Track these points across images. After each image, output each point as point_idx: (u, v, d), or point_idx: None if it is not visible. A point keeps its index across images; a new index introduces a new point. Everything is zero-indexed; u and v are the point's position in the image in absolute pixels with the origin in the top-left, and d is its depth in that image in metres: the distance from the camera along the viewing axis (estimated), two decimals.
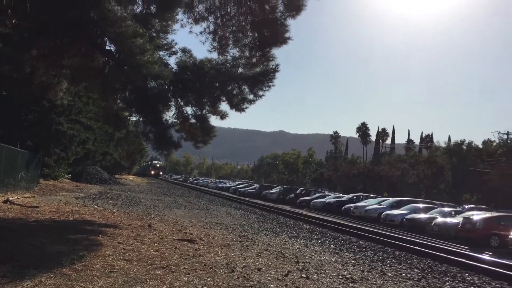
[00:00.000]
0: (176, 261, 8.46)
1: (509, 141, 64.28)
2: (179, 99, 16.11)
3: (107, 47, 14.55)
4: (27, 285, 5.63)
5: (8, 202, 15.53)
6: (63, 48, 13.59)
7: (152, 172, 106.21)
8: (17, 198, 17.51)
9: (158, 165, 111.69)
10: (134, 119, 17.81)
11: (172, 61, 16.16)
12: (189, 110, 16.23)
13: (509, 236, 19.09)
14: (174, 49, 16.18)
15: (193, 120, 16.18)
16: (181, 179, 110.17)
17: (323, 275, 9.08)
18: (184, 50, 15.90)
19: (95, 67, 14.68)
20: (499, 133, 64.90)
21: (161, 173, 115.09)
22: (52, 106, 24.91)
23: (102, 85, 15.38)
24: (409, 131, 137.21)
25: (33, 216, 12.84)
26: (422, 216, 26.00)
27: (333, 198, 38.89)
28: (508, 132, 62.88)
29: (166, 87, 15.72)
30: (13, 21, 14.21)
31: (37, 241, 8.82)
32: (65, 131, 27.07)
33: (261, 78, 15.01)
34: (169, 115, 16.25)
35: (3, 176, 19.12)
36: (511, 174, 55.76)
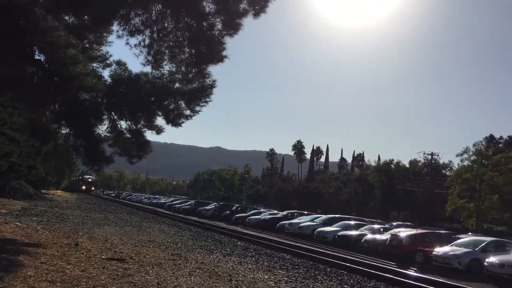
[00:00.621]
0: (103, 282, 8.11)
1: (433, 161, 68.04)
2: (112, 113, 15.67)
3: (37, 57, 13.95)
4: None
5: None
6: None
7: (83, 187, 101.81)
8: None
9: (89, 179, 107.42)
10: (64, 131, 17.12)
11: (106, 73, 15.72)
12: (123, 124, 15.83)
13: (433, 252, 20.07)
14: (108, 62, 15.78)
15: (127, 135, 15.77)
16: (114, 194, 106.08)
17: None
18: (119, 63, 15.56)
19: (22, 77, 13.97)
20: (424, 153, 68.58)
21: (92, 188, 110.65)
22: None
23: (30, 96, 14.64)
24: (342, 149, 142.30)
25: None
26: (353, 233, 26.74)
27: (268, 215, 39.09)
28: (432, 152, 66.59)
29: (100, 100, 15.26)
30: None
31: None
32: None
33: (198, 94, 14.96)
34: (102, 129, 15.78)
35: None
36: (435, 193, 59.01)
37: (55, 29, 12.63)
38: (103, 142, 15.59)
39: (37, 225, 17.56)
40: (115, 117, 15.71)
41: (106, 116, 15.55)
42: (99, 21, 10.94)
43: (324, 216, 34.92)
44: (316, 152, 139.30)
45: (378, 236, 24.33)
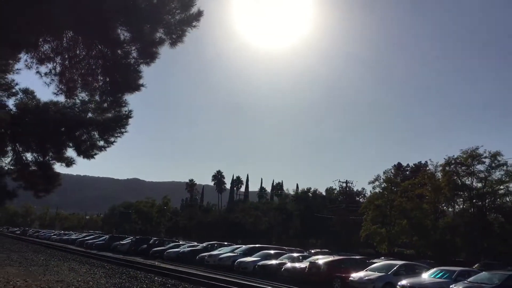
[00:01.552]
0: None
1: (347, 189, 70.94)
2: (17, 144, 14.61)
3: None
4: None
5: None
6: None
7: None
8: None
9: None
10: None
11: (11, 102, 14.69)
12: (29, 156, 14.79)
13: (350, 278, 20.63)
14: (14, 90, 14.77)
15: (34, 167, 14.73)
16: (19, 232, 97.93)
17: None
18: (25, 91, 14.66)
19: None
20: (339, 181, 71.39)
21: None
22: None
23: None
24: (262, 179, 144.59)
25: None
26: (273, 262, 26.84)
27: (188, 247, 38.22)
28: (346, 180, 69.50)
29: (3, 130, 14.18)
30: None
31: None
32: None
33: (112, 124, 14.42)
34: (5, 161, 14.63)
35: None
36: (350, 219, 61.37)
37: None
38: (5, 175, 14.42)
39: None
40: (20, 149, 14.66)
41: (10, 148, 14.46)
42: (12, 47, 10.27)
43: (244, 247, 34.78)
44: (236, 182, 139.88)
45: (297, 264, 24.63)
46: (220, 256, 31.19)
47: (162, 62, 12.01)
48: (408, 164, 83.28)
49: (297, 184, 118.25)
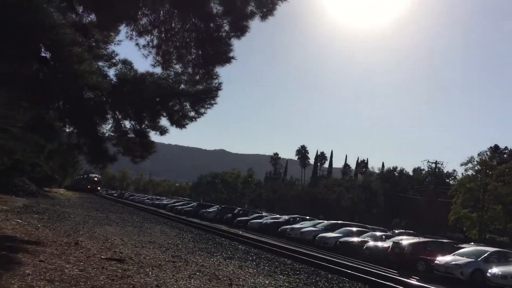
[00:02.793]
0: (102, 282, 8.01)
1: (437, 170, 67.74)
2: (117, 112, 15.58)
3: (42, 54, 13.89)
4: None
5: None
6: None
7: (89, 187, 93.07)
8: None
9: (95, 178, 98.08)
10: (68, 130, 17.04)
11: (111, 72, 15.64)
12: (127, 124, 15.74)
13: (435, 262, 19.87)
14: (114, 61, 15.66)
15: (131, 135, 15.68)
16: (116, 194, 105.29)
17: None
18: (124, 62, 15.47)
19: (27, 74, 13.92)
20: (428, 162, 68.25)
21: (99, 188, 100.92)
22: None
23: (34, 93, 14.60)
24: (346, 156, 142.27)
25: None
26: (355, 239, 26.56)
27: (270, 219, 38.95)
28: (436, 161, 66.34)
29: (104, 99, 15.17)
30: None
31: None
32: None
33: (203, 96, 14.84)
34: (106, 128, 15.68)
35: None
36: (438, 201, 58.68)
37: (61, 26, 12.59)
38: (106, 141, 15.50)
39: (37, 223, 17.49)
40: (120, 116, 15.61)
41: (110, 115, 15.44)
42: (107, 23, 10.89)
43: (326, 222, 34.76)
44: (320, 157, 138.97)
45: (380, 244, 24.14)
46: (302, 229, 31.45)
47: (251, 36, 12.10)
48: (506, 147, 77.30)
49: (382, 163, 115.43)
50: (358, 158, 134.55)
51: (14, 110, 27.67)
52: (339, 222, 34.87)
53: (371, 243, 24.55)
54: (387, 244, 23.44)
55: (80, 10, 12.95)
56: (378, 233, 28.70)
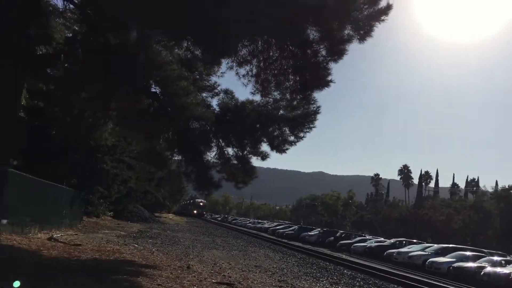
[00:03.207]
0: None
1: None
2: (220, 140, 16.28)
3: (152, 89, 15.05)
4: None
5: (52, 239, 15.86)
6: (111, 92, 14.14)
7: (195, 212, 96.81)
8: (61, 235, 17.87)
9: (201, 203, 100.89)
10: (176, 158, 18.11)
11: (214, 102, 16.46)
12: (230, 151, 16.37)
13: None
14: (216, 91, 16.48)
15: (234, 161, 16.26)
16: (220, 218, 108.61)
17: None
18: (226, 92, 16.19)
19: (140, 109, 15.13)
20: None
21: (204, 212, 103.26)
22: (98, 146, 25.70)
23: (146, 126, 15.79)
24: (454, 174, 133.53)
25: (75, 255, 13.02)
26: (470, 264, 24.73)
27: (375, 242, 37.72)
28: None
29: (208, 128, 15.96)
30: (65, 65, 14.96)
31: (79, 281, 8.87)
32: (109, 170, 27.78)
33: (301, 120, 15.03)
34: (211, 156, 16.43)
35: (49, 213, 19.62)
36: None
37: (169, 63, 13.60)
38: (211, 168, 16.22)
39: (152, 247, 18.62)
40: (223, 144, 16.29)
41: (214, 144, 16.18)
42: (220, 55, 11.55)
43: (436, 246, 32.79)
44: (425, 177, 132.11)
45: (499, 270, 22.24)
46: (410, 254, 29.99)
47: (350, 56, 12.06)
48: None
49: (496, 181, 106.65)
50: (467, 177, 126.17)
51: (128, 142, 30.08)
52: (450, 245, 32.72)
53: (489, 269, 22.70)
54: (508, 270, 21.52)
55: (185, 46, 13.85)
56: (496, 258, 26.47)
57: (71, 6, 14.10)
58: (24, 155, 24.48)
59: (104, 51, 13.05)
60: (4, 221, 14.20)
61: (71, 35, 14.83)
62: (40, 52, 14.29)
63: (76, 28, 14.95)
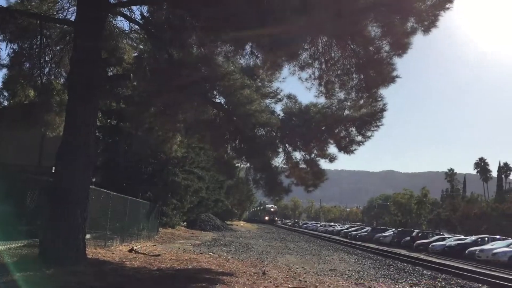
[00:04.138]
0: None
1: None
2: (287, 145, 16.27)
3: (217, 100, 15.37)
4: None
5: (133, 251, 16.57)
6: (177, 105, 14.62)
7: (266, 218, 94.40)
8: (141, 246, 18.64)
9: (272, 209, 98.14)
10: (244, 166, 18.33)
11: (278, 108, 16.49)
12: (297, 155, 16.32)
13: None
14: (279, 96, 16.46)
15: (303, 165, 16.19)
16: (290, 223, 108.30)
17: None
18: (289, 97, 16.16)
19: (206, 120, 15.51)
20: None
21: (276, 218, 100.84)
22: (168, 158, 26.61)
23: (213, 136, 16.16)
24: None
25: (155, 265, 13.52)
26: None
27: (454, 240, 35.97)
28: None
29: (274, 134, 16.03)
30: (133, 83, 15.69)
31: None
32: (180, 182, 28.65)
33: (368, 119, 14.68)
34: (278, 161, 16.45)
35: (128, 226, 20.54)
36: None
37: (231, 73, 13.83)
38: (280, 173, 16.24)
39: (227, 255, 18.96)
40: (290, 149, 16.26)
41: (281, 149, 16.20)
42: (280, 59, 11.64)
43: None
44: (504, 169, 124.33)
45: None
46: (494, 251, 28.28)
47: (416, 47, 11.67)
48: None
49: None
50: None
51: (197, 153, 30.90)
52: None
53: None
54: None
55: (246, 54, 14.03)
56: None
57: (136, 27, 14.78)
58: (101, 171, 25.89)
59: (169, 67, 13.54)
60: (88, 236, 15.02)
61: (137, 54, 15.56)
62: (111, 73, 15.09)
63: (142, 47, 15.66)
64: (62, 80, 17.48)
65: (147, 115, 15.99)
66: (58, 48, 15.64)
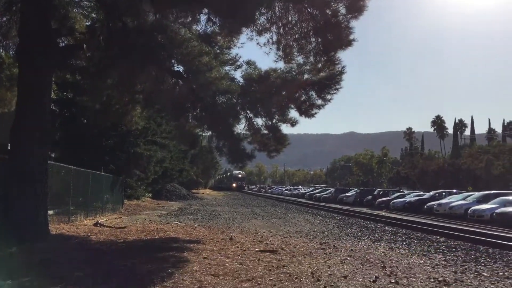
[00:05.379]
0: (261, 273, 8.50)
1: None
2: (248, 111, 16.29)
3: (176, 68, 15.11)
4: None
5: (98, 225, 16.45)
6: (135, 75, 14.28)
7: (234, 185, 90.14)
8: (106, 220, 18.50)
9: (239, 175, 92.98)
10: (207, 134, 18.30)
11: (238, 74, 16.41)
12: (259, 121, 16.39)
13: None
14: (239, 63, 16.38)
15: (264, 131, 16.29)
16: (256, 189, 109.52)
17: (413, 279, 8.73)
18: (248, 63, 16.07)
19: (165, 89, 15.26)
20: None
21: (244, 185, 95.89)
22: (129, 130, 26.16)
23: (173, 105, 15.94)
24: (489, 120, 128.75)
25: (122, 237, 13.48)
26: None
27: (414, 197, 37.43)
28: None
29: (235, 100, 15.98)
30: (87, 54, 15.15)
31: (128, 261, 9.22)
32: (143, 153, 28.33)
33: (327, 82, 14.82)
34: (240, 128, 16.49)
35: (91, 200, 20.29)
36: None
37: (189, 40, 13.56)
38: (243, 140, 16.31)
39: (193, 223, 19.09)
40: (251, 115, 16.29)
41: (242, 115, 16.21)
42: (233, 29, 11.46)
43: (477, 193, 32.21)
44: (459, 125, 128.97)
45: None
46: (451, 204, 29.64)
47: (371, 12, 11.76)
48: None
49: None
50: (503, 121, 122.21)
51: (158, 123, 30.49)
52: (492, 192, 32.10)
53: None
54: None
55: (203, 21, 13.74)
56: None
57: None
58: (60, 146, 25.24)
59: (124, 36, 13.13)
60: (51, 212, 14.75)
61: (90, 23, 14.99)
62: (63, 44, 14.51)
63: (94, 16, 15.08)
64: (11, 53, 16.76)
65: (104, 87, 15.57)
66: (4, 19, 14.89)
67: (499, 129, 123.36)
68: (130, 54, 12.91)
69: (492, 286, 8.45)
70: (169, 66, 14.80)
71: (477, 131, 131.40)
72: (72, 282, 7.08)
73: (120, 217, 20.88)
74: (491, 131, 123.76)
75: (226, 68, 16.59)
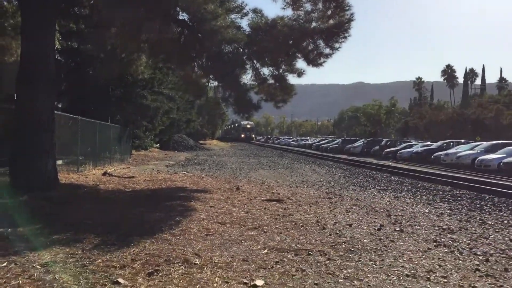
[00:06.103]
0: (267, 222, 8.63)
1: None
2: (254, 61, 16.03)
3: (181, 17, 14.76)
4: (133, 251, 6.02)
5: (107, 174, 16.66)
6: (140, 24, 13.98)
7: (242, 136, 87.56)
8: (114, 169, 18.74)
9: (248, 125, 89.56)
10: (213, 85, 18.12)
11: (244, 23, 16.05)
12: (266, 71, 16.16)
13: None
14: (245, 11, 15.93)
15: (271, 81, 16.09)
16: (263, 140, 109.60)
17: (418, 227, 8.83)
18: (255, 11, 15.63)
19: (170, 38, 14.97)
20: None
21: (253, 135, 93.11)
22: (136, 80, 25.98)
23: (179, 55, 15.69)
24: (501, 68, 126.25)
25: (130, 186, 13.68)
26: None
27: (421, 147, 37.36)
28: None
29: (241, 50, 15.69)
30: (91, 1, 14.82)
31: (137, 210, 9.38)
32: (149, 104, 28.27)
33: (336, 30, 14.45)
34: (247, 78, 16.28)
35: (99, 151, 20.46)
36: None
37: None
38: (249, 90, 16.15)
39: (201, 173, 19.29)
40: (257, 65, 16.05)
41: (249, 65, 15.97)
42: None
43: (485, 143, 32.08)
44: (470, 75, 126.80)
45: None
46: (458, 154, 29.61)
47: None
48: None
49: None
50: None
51: (164, 73, 30.21)
52: (500, 142, 31.90)
53: None
54: None
55: None
56: None
57: None
58: (67, 97, 25.21)
59: None
60: (60, 162, 14.92)
61: None
62: None
63: None
64: (14, 1, 16.43)
65: (108, 36, 15.31)
66: None
67: (511, 78, 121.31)
68: (134, 2, 12.59)
69: (496, 234, 8.53)
70: (174, 14, 14.45)
71: (488, 81, 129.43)
72: (82, 229, 7.23)
73: (128, 167, 21.13)
74: (502, 80, 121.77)
75: (232, 16, 16.13)
